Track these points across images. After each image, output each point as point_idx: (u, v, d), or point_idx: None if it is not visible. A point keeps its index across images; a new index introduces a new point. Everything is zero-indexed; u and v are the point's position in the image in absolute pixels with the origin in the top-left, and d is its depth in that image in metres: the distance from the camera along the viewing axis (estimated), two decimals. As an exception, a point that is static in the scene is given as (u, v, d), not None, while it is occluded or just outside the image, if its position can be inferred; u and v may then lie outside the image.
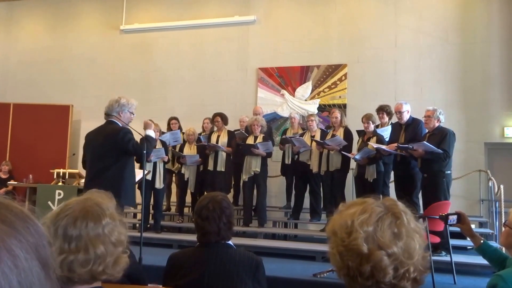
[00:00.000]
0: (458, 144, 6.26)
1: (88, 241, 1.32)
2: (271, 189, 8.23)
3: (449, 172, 5.65)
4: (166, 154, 7.17)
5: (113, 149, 4.38)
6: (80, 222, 1.33)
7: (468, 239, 2.85)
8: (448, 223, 2.64)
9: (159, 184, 7.06)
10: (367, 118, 6.59)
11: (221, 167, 7.37)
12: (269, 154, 7.18)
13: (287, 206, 8.01)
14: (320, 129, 7.48)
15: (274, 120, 9.34)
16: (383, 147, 6.17)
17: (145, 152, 4.55)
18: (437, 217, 4.45)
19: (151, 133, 4.80)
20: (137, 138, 4.64)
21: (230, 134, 7.63)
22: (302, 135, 7.36)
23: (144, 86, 10.17)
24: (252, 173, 7.07)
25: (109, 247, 1.34)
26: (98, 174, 4.33)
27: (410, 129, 6.24)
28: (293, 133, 7.63)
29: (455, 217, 2.62)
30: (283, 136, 7.72)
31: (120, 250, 1.39)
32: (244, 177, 7.14)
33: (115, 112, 4.57)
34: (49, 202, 7.39)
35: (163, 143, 7.26)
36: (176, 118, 8.31)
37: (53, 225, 1.33)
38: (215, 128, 7.80)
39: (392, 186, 6.53)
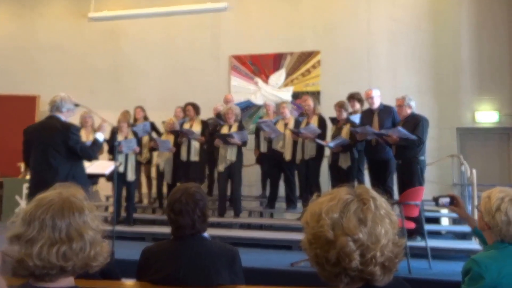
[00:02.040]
0: (431, 130, 6.30)
1: (79, 228, 1.36)
2: (246, 178, 8.14)
3: (422, 158, 5.66)
4: (138, 145, 7.04)
5: (62, 146, 4.28)
6: (67, 212, 1.36)
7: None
8: (439, 204, 2.66)
9: (131, 176, 6.94)
10: (339, 105, 6.56)
11: (194, 157, 7.28)
12: (245, 143, 7.11)
13: (262, 195, 8.03)
14: (294, 116, 7.42)
15: (247, 108, 9.30)
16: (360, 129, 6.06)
17: (92, 155, 4.49)
18: (412, 202, 4.66)
19: (100, 136, 4.73)
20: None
21: (203, 123, 7.53)
22: (276, 122, 7.30)
23: (114, 76, 9.99)
24: (228, 163, 6.97)
25: (95, 234, 1.40)
26: (47, 174, 4.21)
27: (383, 115, 6.22)
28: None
29: (447, 199, 2.64)
30: (259, 120, 7.69)
31: (101, 238, 1.44)
32: (220, 167, 7.04)
33: (59, 108, 4.43)
34: (17, 196, 7.27)
35: (135, 134, 7.12)
36: (140, 107, 8.13)
37: (37, 218, 1.34)
38: (187, 119, 7.66)
39: (367, 174, 6.52)
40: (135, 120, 8.01)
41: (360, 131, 6.05)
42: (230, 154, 6.98)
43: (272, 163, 7.42)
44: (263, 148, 7.60)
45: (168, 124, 7.60)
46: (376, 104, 6.30)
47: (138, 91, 9.69)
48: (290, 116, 7.33)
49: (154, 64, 9.86)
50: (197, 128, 7.38)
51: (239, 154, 7.09)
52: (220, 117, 7.54)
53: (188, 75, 9.65)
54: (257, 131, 7.79)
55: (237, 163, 7.03)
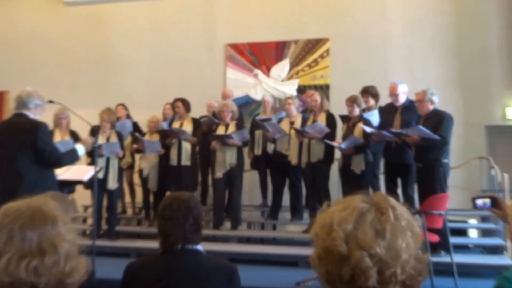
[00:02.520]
0: (456, 128, 6.28)
1: (52, 240, 1.32)
2: (245, 185, 7.98)
3: (446, 160, 5.62)
4: (122, 149, 7.02)
5: (31, 148, 4.24)
6: (39, 222, 1.33)
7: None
8: (478, 207, 2.67)
9: (113, 183, 6.86)
10: (351, 100, 6.49)
11: (186, 161, 7.22)
12: (245, 143, 7.09)
13: (263, 204, 8.00)
14: (301, 113, 7.39)
15: (246, 104, 9.27)
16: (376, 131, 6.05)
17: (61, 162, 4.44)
18: (435, 212, 4.66)
19: (80, 150, 4.73)
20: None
21: (195, 122, 7.47)
22: (280, 120, 7.30)
23: (97, 68, 9.99)
24: (228, 167, 6.94)
25: (71, 247, 1.36)
26: (13, 181, 4.16)
27: (407, 113, 6.19)
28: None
29: (488, 200, 2.64)
30: (257, 118, 7.63)
31: (78, 252, 1.41)
32: (218, 173, 6.98)
33: (26, 104, 4.38)
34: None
35: (119, 136, 7.10)
36: (122, 105, 8.11)
37: (3, 227, 1.30)
38: (177, 117, 7.59)
39: (383, 179, 6.51)
40: (117, 119, 7.83)
41: (374, 134, 6.02)
42: (230, 157, 6.94)
43: (274, 168, 7.40)
44: (257, 150, 7.60)
45: (152, 122, 7.53)
46: (401, 101, 6.26)
47: (123, 86, 9.68)
48: (296, 113, 7.30)
49: (141, 55, 9.85)
50: (188, 127, 7.30)
51: (240, 156, 7.06)
52: (215, 115, 7.49)
53: (179, 67, 9.64)
54: (252, 130, 7.75)
55: (238, 167, 7.01)
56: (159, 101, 8.41)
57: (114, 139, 6.96)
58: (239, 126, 7.12)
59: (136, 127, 7.97)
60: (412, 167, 6.02)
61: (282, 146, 7.16)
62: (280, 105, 7.93)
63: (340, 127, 6.87)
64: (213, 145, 7.00)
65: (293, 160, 6.96)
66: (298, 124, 7.06)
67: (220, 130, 7.08)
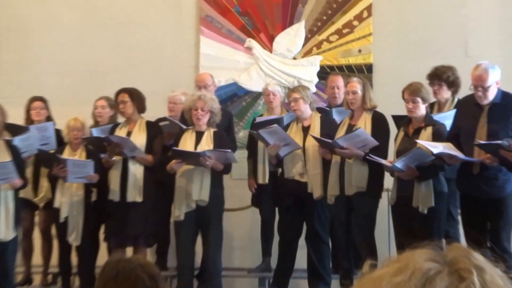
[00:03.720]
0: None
1: None
2: (232, 234, 8.25)
3: None
4: (21, 176, 6.90)
5: None
6: None
7: None
8: None
9: (5, 232, 6.66)
10: (412, 92, 6.24)
11: (135, 195, 7.04)
12: (227, 168, 6.96)
13: (263, 267, 7.76)
14: (320, 110, 7.29)
15: (234, 98, 9.11)
16: (453, 152, 5.87)
17: None
18: None
19: None
20: None
21: (152, 128, 7.37)
22: (287, 126, 7.19)
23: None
24: (193, 206, 6.74)
25: None
26: None
27: (499, 113, 6.02)
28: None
29: None
30: (255, 120, 7.72)
31: None
32: (178, 212, 6.82)
33: None
34: None
35: (14, 152, 6.94)
36: (42, 99, 7.95)
37: None
38: (120, 119, 7.67)
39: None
40: (31, 122, 7.94)
41: (447, 156, 5.87)
42: (198, 189, 6.76)
43: (283, 204, 7.23)
44: (262, 176, 7.49)
45: (74, 128, 7.33)
46: (490, 97, 6.02)
47: (30, 66, 9.55)
48: (311, 112, 7.11)
49: (59, 16, 9.59)
50: (139, 138, 7.17)
51: (217, 188, 6.93)
52: (183, 118, 7.37)
53: (123, 38, 9.47)
54: (251, 144, 7.67)
55: (213, 204, 6.85)
56: (87, 93, 8.42)
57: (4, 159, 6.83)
58: (221, 137, 7.00)
59: (58, 135, 7.80)
60: (507, 201, 5.98)
61: (291, 167, 6.96)
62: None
63: (392, 136, 6.66)
64: (170, 167, 6.82)
65: (316, 192, 6.74)
66: (315, 130, 6.89)
67: (188, 142, 6.86)
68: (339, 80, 7.46)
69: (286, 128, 7.14)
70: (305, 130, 6.98)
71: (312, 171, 6.86)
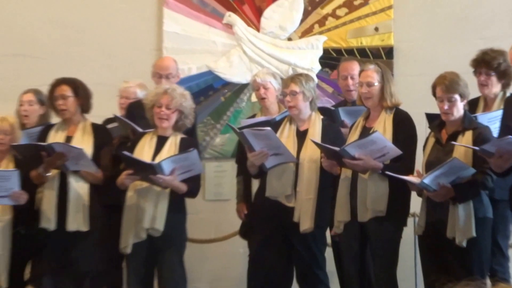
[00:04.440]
0: None
1: None
2: (203, 274, 8.02)
3: None
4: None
5: None
6: None
7: None
8: None
9: None
10: (448, 87, 5.88)
11: (78, 221, 6.61)
12: (194, 188, 6.44)
13: None
14: (323, 111, 6.84)
15: (209, 92, 8.66)
16: None
17: None
18: None
19: None
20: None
21: (99, 133, 6.93)
22: (275, 126, 6.80)
23: None
24: (143, 236, 6.33)
25: None
26: None
27: None
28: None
29: None
30: (242, 123, 7.33)
31: None
32: (124, 243, 6.39)
33: None
34: None
35: None
36: None
37: None
38: (54, 119, 7.22)
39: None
40: None
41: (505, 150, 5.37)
42: (150, 213, 6.35)
43: (270, 232, 6.72)
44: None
45: (0, 130, 6.95)
46: None
47: None
48: (311, 113, 6.73)
49: None
50: (85, 144, 6.75)
51: (176, 213, 6.46)
52: (134, 115, 7.04)
53: (64, 13, 8.98)
54: (243, 156, 7.09)
55: (170, 236, 6.45)
56: (16, 86, 8.06)
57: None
58: (190, 146, 6.49)
59: None
60: None
61: (278, 185, 6.63)
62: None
63: (420, 142, 6.27)
64: (121, 181, 6.40)
65: (305, 221, 6.45)
66: (316, 135, 6.49)
67: (145, 150, 6.44)
68: (355, 68, 7.03)
69: (275, 128, 6.75)
70: (301, 135, 6.61)
71: (304, 195, 6.45)
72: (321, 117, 6.74)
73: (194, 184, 6.48)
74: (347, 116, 6.87)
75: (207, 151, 8.32)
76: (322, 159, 6.32)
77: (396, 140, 5.99)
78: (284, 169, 6.59)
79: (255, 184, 7.25)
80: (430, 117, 6.35)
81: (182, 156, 6.33)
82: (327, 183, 6.48)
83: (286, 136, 6.66)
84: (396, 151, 5.92)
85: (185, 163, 6.35)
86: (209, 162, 8.03)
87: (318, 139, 6.40)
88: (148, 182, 6.36)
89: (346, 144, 6.07)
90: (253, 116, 7.64)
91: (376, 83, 6.18)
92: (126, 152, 6.36)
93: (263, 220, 6.72)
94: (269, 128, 6.54)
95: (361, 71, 6.45)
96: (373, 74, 6.23)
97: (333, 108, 7.23)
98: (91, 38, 8.97)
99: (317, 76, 8.14)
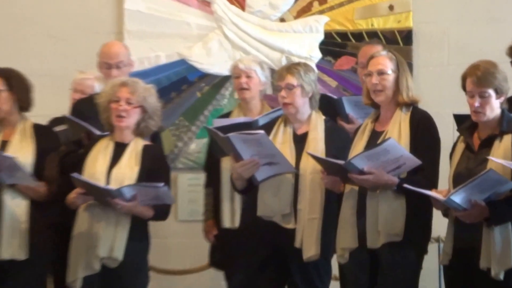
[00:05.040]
0: None
1: None
2: None
3: None
4: None
5: None
6: None
7: None
8: None
9: None
10: (481, 80, 5.69)
11: (14, 247, 6.58)
12: (162, 212, 6.28)
13: None
14: (321, 97, 6.68)
15: (182, 85, 8.52)
16: None
17: None
18: None
19: None
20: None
21: (43, 136, 6.76)
22: (266, 128, 6.59)
23: None
24: (97, 268, 6.22)
25: None
26: None
27: None
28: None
29: None
30: (214, 123, 7.06)
31: None
32: (73, 276, 6.28)
33: None
34: None
35: None
36: None
37: None
38: None
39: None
40: None
41: None
42: (107, 240, 6.28)
43: (251, 260, 6.65)
44: (230, 215, 7.17)
45: None
46: None
47: None
48: (313, 112, 6.60)
49: None
50: (22, 153, 6.68)
51: (137, 241, 6.34)
52: (78, 113, 6.91)
53: None
54: (212, 163, 7.12)
55: (129, 268, 6.37)
56: None
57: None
58: (155, 156, 6.63)
59: None
60: None
61: (274, 202, 6.50)
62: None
63: (446, 149, 5.99)
64: (71, 199, 6.23)
65: (309, 248, 6.39)
66: (318, 141, 6.33)
67: (100, 160, 6.32)
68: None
69: (266, 131, 6.45)
70: (299, 140, 6.26)
71: (307, 214, 6.12)
72: (323, 117, 6.55)
73: (162, 207, 6.36)
74: (354, 109, 6.70)
75: (180, 160, 8.15)
76: (321, 175, 6.14)
77: (414, 147, 5.83)
78: (281, 182, 6.41)
79: (226, 198, 7.47)
80: (459, 119, 6.04)
81: (149, 189, 6.28)
82: (333, 198, 6.21)
83: (281, 141, 6.53)
84: (414, 161, 5.71)
85: (151, 194, 6.31)
86: (182, 174, 7.90)
87: (320, 146, 6.25)
88: (104, 205, 6.23)
89: (352, 156, 5.85)
90: (228, 114, 7.47)
91: (390, 72, 6.00)
92: (75, 175, 6.18)
93: (253, 246, 6.62)
94: (262, 132, 6.35)
95: (370, 58, 6.17)
96: (385, 62, 6.07)
97: (335, 97, 6.97)
98: (35, 18, 8.92)
99: (317, 66, 7.80)
